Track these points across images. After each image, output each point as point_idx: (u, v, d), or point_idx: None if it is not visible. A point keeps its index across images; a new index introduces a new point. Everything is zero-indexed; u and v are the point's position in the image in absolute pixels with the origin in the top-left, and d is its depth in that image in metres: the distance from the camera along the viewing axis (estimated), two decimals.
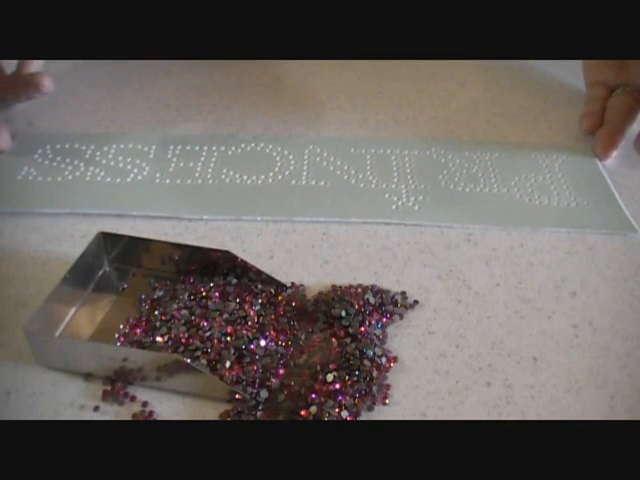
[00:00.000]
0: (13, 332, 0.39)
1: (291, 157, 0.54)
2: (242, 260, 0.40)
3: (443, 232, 0.47)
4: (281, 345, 0.37)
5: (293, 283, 0.42)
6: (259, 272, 0.40)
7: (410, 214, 0.48)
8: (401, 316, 0.40)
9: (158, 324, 0.38)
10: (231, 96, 0.61)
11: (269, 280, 0.40)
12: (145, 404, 0.35)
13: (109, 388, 0.36)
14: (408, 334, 0.39)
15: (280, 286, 0.41)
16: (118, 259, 0.42)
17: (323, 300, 0.40)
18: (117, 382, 0.36)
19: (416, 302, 0.41)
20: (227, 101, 0.61)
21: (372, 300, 0.40)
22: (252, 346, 0.36)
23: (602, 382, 0.37)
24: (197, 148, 0.54)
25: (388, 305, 0.40)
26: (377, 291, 0.41)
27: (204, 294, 0.39)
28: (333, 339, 0.38)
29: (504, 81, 0.66)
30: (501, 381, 0.37)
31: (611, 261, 0.45)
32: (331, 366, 0.36)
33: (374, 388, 0.36)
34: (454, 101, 0.62)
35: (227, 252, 0.40)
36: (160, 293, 0.40)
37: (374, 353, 0.37)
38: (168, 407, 0.35)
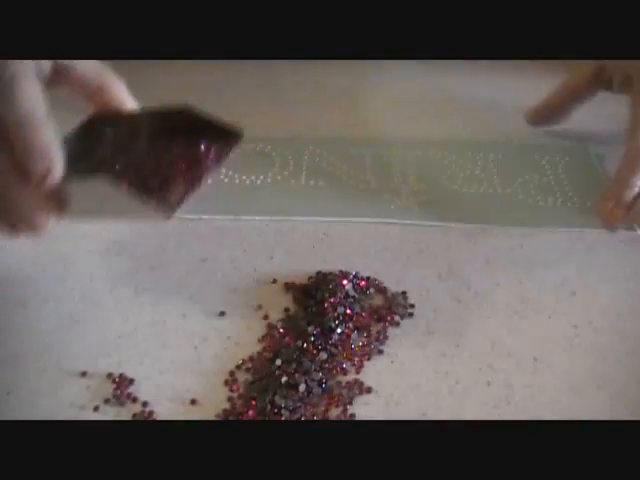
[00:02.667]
0: (13, 332, 0.39)
1: (290, 157, 0.54)
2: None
3: (443, 232, 0.47)
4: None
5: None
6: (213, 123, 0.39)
7: (409, 214, 0.48)
8: (401, 316, 0.40)
9: None
10: (230, 96, 0.61)
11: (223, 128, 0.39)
12: (145, 404, 0.35)
13: (111, 389, 0.36)
14: (408, 334, 0.39)
15: (232, 135, 0.40)
16: None
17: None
18: (118, 381, 0.36)
19: (414, 304, 0.41)
20: (226, 101, 0.61)
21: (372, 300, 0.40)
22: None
23: (602, 382, 0.37)
24: None
25: (388, 306, 0.41)
26: (378, 290, 0.42)
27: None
28: None
29: (505, 81, 0.66)
30: (501, 381, 0.37)
31: (611, 261, 0.45)
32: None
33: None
34: (454, 101, 0.62)
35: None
36: None
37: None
38: (168, 407, 0.35)
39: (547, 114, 0.55)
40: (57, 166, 0.34)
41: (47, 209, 0.35)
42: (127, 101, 0.40)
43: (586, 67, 0.53)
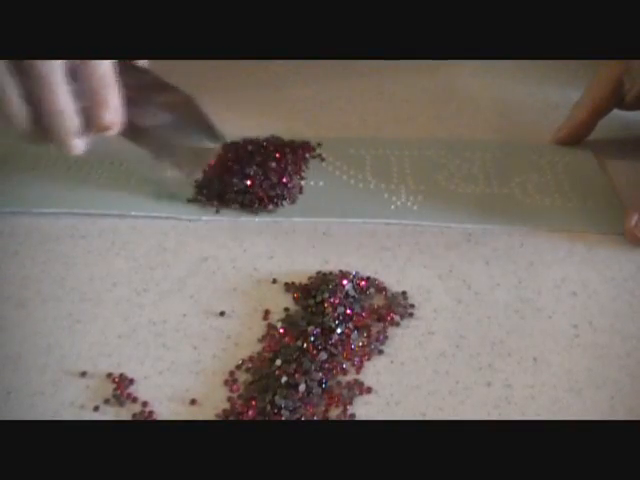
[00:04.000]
0: (13, 332, 0.39)
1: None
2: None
3: (443, 232, 0.47)
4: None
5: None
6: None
7: (409, 214, 0.48)
8: (401, 316, 0.40)
9: None
10: (229, 97, 0.61)
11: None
12: (145, 404, 0.35)
13: (111, 389, 0.36)
14: (408, 334, 0.39)
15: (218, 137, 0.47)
16: None
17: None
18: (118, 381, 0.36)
19: (414, 304, 0.41)
20: (225, 102, 0.61)
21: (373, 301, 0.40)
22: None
23: (602, 382, 0.37)
24: None
25: (388, 306, 0.41)
26: (378, 290, 0.42)
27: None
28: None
29: (504, 81, 0.66)
30: (501, 381, 0.37)
31: (611, 261, 0.45)
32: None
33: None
34: (454, 101, 0.62)
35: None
36: None
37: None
38: (168, 407, 0.35)
39: (576, 136, 0.56)
40: (119, 123, 0.41)
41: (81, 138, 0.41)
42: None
43: (605, 86, 0.54)
